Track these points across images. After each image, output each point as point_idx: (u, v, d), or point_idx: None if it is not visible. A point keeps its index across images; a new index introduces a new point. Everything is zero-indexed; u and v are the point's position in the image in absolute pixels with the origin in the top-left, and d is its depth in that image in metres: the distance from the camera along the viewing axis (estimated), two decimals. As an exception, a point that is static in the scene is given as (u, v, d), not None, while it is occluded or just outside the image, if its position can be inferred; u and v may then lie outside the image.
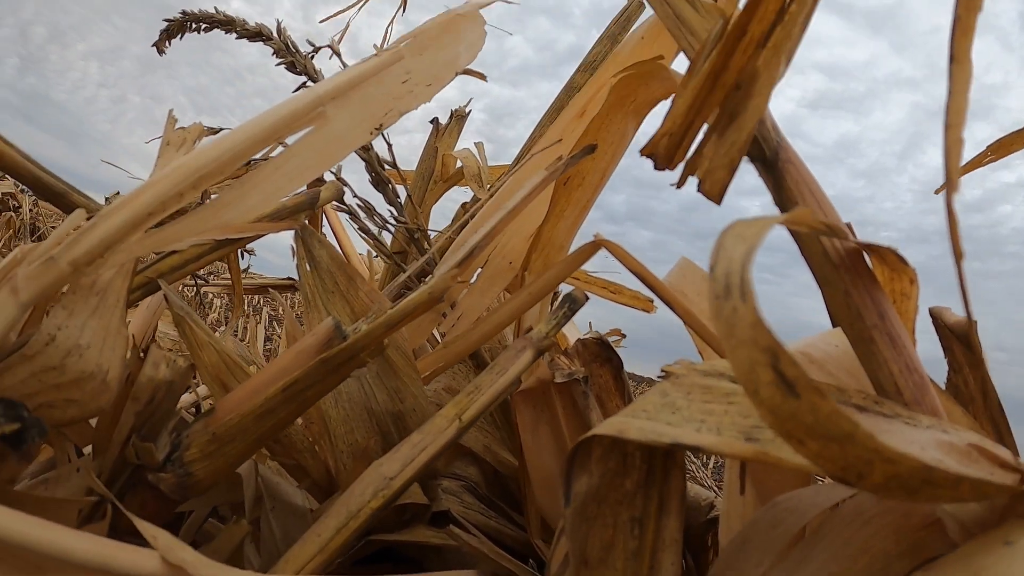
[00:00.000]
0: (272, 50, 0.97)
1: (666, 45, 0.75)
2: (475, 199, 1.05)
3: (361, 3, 1.28)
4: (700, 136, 0.53)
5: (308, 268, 0.73)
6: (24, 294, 0.45)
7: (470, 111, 1.31)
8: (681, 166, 0.54)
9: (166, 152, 0.62)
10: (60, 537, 0.37)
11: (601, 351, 0.78)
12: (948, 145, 0.43)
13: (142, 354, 0.58)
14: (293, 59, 0.95)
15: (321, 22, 1.29)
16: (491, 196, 0.85)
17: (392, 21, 1.29)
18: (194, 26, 1.01)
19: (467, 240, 0.65)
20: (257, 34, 0.97)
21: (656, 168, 0.59)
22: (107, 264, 0.48)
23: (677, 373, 0.51)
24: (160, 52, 1.05)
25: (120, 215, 0.48)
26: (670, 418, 0.47)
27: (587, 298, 0.68)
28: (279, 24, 0.97)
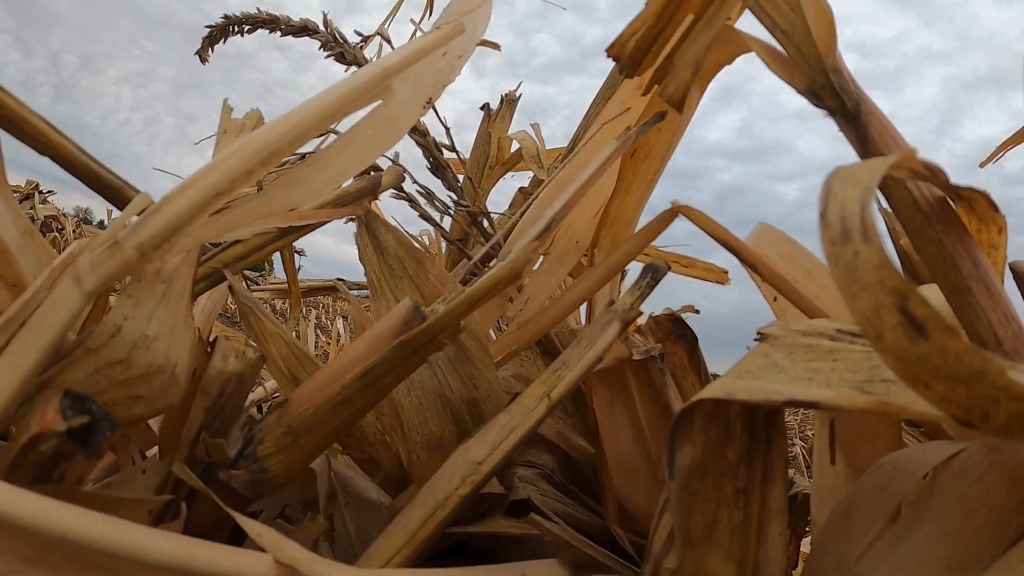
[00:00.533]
0: (319, 43, 0.96)
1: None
2: (534, 182, 1.04)
3: (391, 16, 1.29)
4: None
5: (373, 254, 0.71)
6: (88, 283, 0.44)
7: (520, 95, 1.30)
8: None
9: (224, 140, 0.61)
10: (142, 537, 0.35)
11: (675, 328, 0.76)
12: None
13: (209, 347, 0.56)
14: (343, 49, 0.94)
15: (356, 32, 1.31)
16: (553, 176, 0.83)
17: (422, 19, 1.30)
18: (237, 28, 1.01)
19: (542, 214, 0.63)
20: (303, 29, 0.96)
21: (620, 72, 0.60)
22: (174, 249, 0.47)
23: (775, 334, 0.49)
24: (203, 60, 1.06)
25: (187, 196, 0.46)
26: (776, 377, 0.45)
27: (669, 267, 0.66)
28: (325, 17, 0.96)
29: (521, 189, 1.19)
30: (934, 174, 0.43)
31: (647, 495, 0.71)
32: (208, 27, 1.02)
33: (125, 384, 0.47)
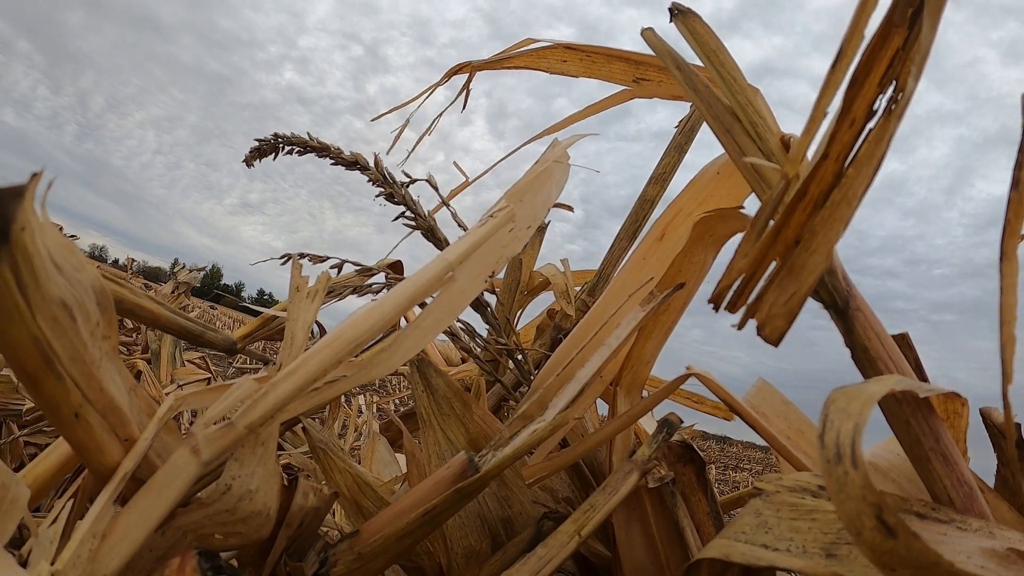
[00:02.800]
0: (368, 179, 1.01)
1: (740, 182, 0.83)
2: (562, 312, 1.10)
3: (421, 101, 1.33)
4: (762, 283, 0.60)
5: (424, 393, 0.80)
6: (205, 454, 0.52)
7: (548, 222, 1.35)
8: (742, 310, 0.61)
9: (296, 298, 0.70)
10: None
11: (685, 452, 0.84)
12: (1003, 341, 0.51)
13: (289, 482, 0.66)
14: (392, 190, 0.99)
15: (372, 120, 1.34)
16: (582, 316, 0.92)
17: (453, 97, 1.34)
18: (287, 149, 1.06)
19: (576, 378, 0.72)
20: (353, 163, 1.01)
21: (715, 310, 0.64)
22: (275, 423, 0.57)
23: (768, 491, 0.60)
24: (248, 166, 1.08)
25: (289, 383, 0.55)
26: (765, 538, 0.57)
27: (681, 422, 0.75)
28: (376, 157, 1.01)
29: (549, 312, 1.25)
30: (913, 391, 0.53)
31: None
32: (258, 140, 1.07)
33: (228, 524, 0.56)
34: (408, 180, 0.98)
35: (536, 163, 0.85)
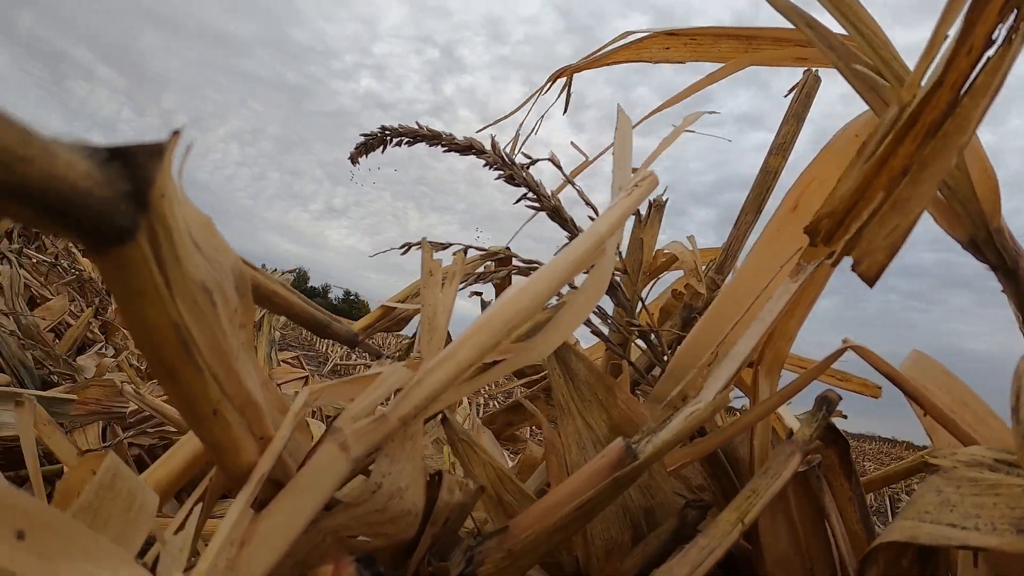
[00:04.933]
0: (485, 163, 0.99)
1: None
2: (696, 295, 1.07)
3: (530, 105, 1.31)
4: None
5: (562, 379, 0.77)
6: (355, 450, 0.49)
7: (667, 200, 1.31)
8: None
9: (430, 283, 0.67)
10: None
11: (828, 433, 0.81)
12: None
13: (433, 478, 0.63)
14: (512, 171, 0.97)
15: (478, 131, 1.32)
16: (717, 296, 0.88)
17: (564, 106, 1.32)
18: (395, 141, 1.04)
19: (731, 356, 0.68)
20: (468, 148, 0.99)
21: (812, 244, 0.65)
22: (427, 414, 0.54)
23: (945, 467, 0.55)
24: (354, 163, 1.08)
25: (443, 370, 0.52)
26: (950, 517, 0.52)
27: (840, 398, 0.71)
28: (493, 140, 0.99)
29: (674, 292, 1.22)
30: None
31: (800, 588, 0.76)
32: (364, 135, 1.05)
33: (376, 525, 0.52)
34: (529, 161, 0.95)
35: (616, 134, 0.82)
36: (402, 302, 1.20)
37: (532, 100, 1.29)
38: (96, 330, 3.11)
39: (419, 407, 0.51)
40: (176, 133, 0.32)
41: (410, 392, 0.51)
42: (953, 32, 0.52)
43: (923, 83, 0.54)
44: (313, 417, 2.08)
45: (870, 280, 0.56)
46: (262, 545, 0.44)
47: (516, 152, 1.18)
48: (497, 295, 1.27)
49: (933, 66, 0.54)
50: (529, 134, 1.28)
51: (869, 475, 1.09)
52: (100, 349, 2.83)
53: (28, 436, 0.96)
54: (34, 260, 3.57)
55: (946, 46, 0.53)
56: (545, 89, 1.28)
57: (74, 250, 4.25)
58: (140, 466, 1.79)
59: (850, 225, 0.58)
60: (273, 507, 0.46)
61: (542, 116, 1.29)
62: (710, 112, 0.92)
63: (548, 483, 0.91)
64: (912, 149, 0.54)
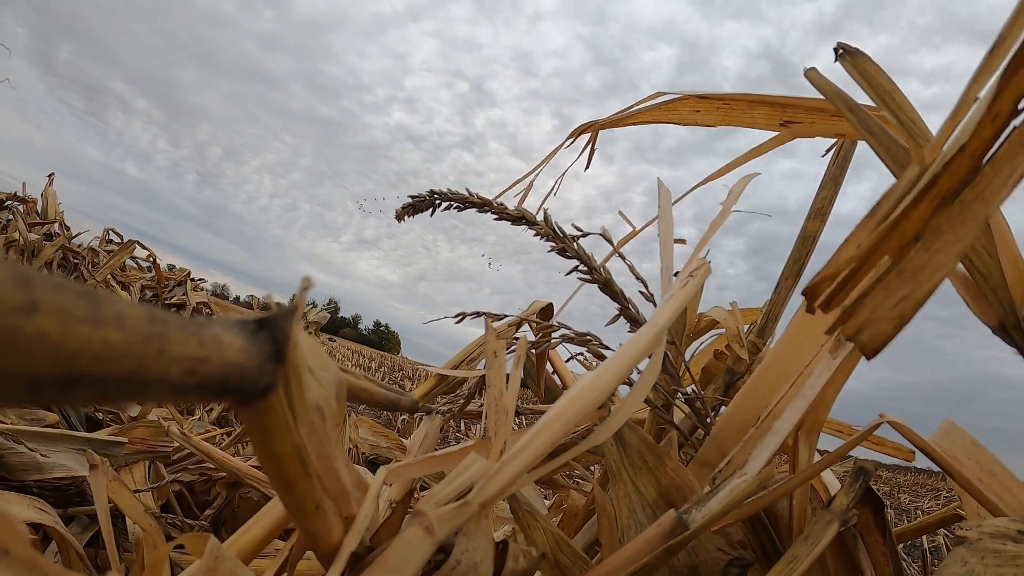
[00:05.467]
0: (535, 233, 1.00)
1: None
2: (738, 360, 1.10)
3: (542, 165, 1.33)
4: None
5: (614, 446, 0.82)
6: (439, 533, 0.53)
7: (709, 261, 1.32)
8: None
9: (495, 364, 0.71)
10: None
11: (864, 494, 0.84)
12: None
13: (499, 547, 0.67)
14: (564, 244, 0.98)
15: (509, 188, 1.35)
16: (756, 357, 0.92)
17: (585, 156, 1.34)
18: (443, 204, 1.05)
19: (774, 431, 0.72)
20: (520, 219, 1.01)
21: (808, 310, 0.63)
22: (502, 497, 0.58)
23: (971, 539, 0.60)
24: (399, 220, 1.09)
25: (520, 460, 0.56)
26: None
27: (876, 469, 0.75)
28: (546, 214, 1.00)
29: (716, 354, 1.24)
30: None
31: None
32: (412, 197, 1.06)
33: None
34: (579, 233, 0.98)
35: (716, 217, 0.85)
36: (456, 367, 1.24)
37: (554, 153, 1.31)
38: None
39: (498, 494, 0.56)
40: (304, 288, 0.36)
41: (491, 480, 0.56)
42: (983, 95, 0.52)
43: (945, 148, 0.53)
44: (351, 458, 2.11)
45: (870, 353, 0.57)
46: None
47: (550, 193, 1.21)
48: (537, 362, 1.31)
49: (958, 131, 0.53)
50: (548, 194, 1.31)
51: (901, 525, 1.12)
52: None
53: (102, 498, 1.00)
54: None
55: (973, 109, 0.52)
56: (567, 144, 1.30)
57: (113, 283, 4.30)
58: (180, 500, 1.84)
59: (851, 290, 0.58)
60: None
61: (562, 175, 1.32)
62: (755, 174, 0.95)
63: (596, 541, 0.95)
64: (927, 214, 0.54)
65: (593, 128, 1.27)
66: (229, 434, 2.28)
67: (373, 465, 2.44)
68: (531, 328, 1.09)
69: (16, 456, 1.53)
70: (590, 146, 1.30)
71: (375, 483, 0.61)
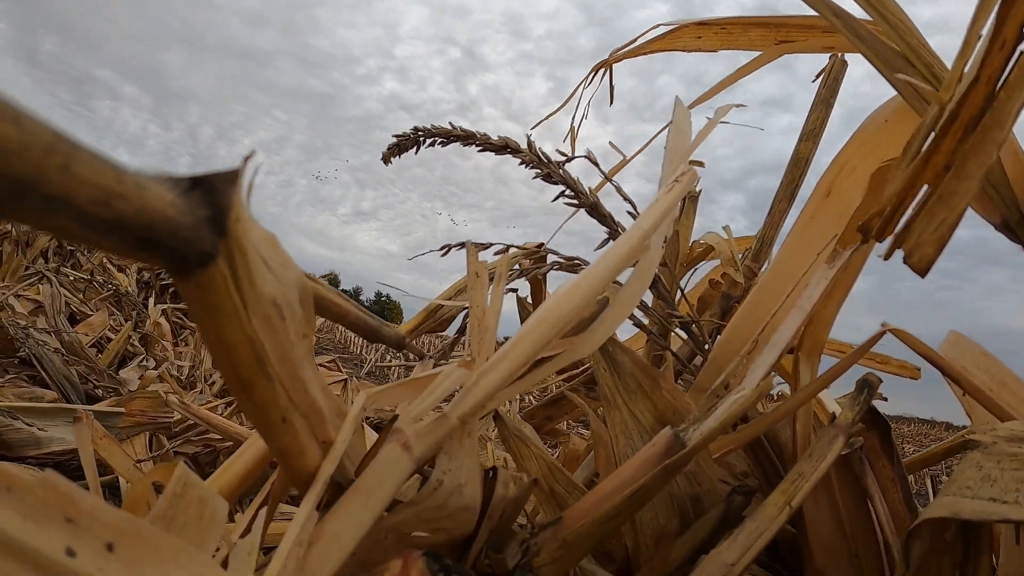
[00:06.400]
0: (520, 161, 0.98)
1: (911, 128, 0.79)
2: (733, 284, 1.08)
3: (576, 100, 1.32)
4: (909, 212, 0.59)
5: (607, 372, 0.79)
6: (417, 450, 0.51)
7: (700, 191, 1.33)
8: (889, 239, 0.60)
9: (477, 284, 0.69)
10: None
11: (870, 416, 0.82)
12: None
13: (489, 474, 0.65)
14: (549, 170, 0.97)
15: (532, 128, 1.33)
16: (754, 284, 0.90)
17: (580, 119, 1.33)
18: (428, 142, 1.04)
19: (772, 343, 0.70)
20: (504, 147, 0.99)
21: (864, 241, 0.67)
22: (484, 411, 0.56)
23: (985, 442, 0.57)
24: (386, 163, 1.07)
25: (499, 369, 0.54)
26: (991, 491, 0.54)
27: (881, 381, 0.72)
28: (529, 140, 0.99)
29: (712, 282, 1.23)
30: None
31: (844, 572, 0.77)
32: (396, 136, 1.05)
33: (435, 521, 0.54)
34: (564, 159, 0.96)
35: (672, 127, 0.84)
36: (448, 300, 1.22)
37: (578, 94, 1.31)
38: (136, 343, 3.16)
39: (478, 406, 0.53)
40: (247, 158, 0.34)
41: (469, 392, 0.53)
42: (986, 31, 0.53)
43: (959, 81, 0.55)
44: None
45: (921, 271, 0.58)
46: (330, 545, 0.45)
47: (569, 149, 1.19)
48: (532, 292, 1.29)
49: (969, 64, 0.55)
50: (569, 133, 1.30)
51: (909, 457, 1.10)
52: (141, 361, 2.87)
53: (87, 450, 0.98)
54: (71, 277, 3.62)
55: (980, 44, 0.54)
56: (587, 82, 1.30)
57: (109, 266, 4.31)
58: (185, 473, 1.83)
59: (898, 220, 0.60)
60: (339, 508, 0.48)
61: (579, 117, 1.31)
62: (738, 105, 0.93)
63: (596, 474, 0.93)
64: (953, 145, 0.55)
65: (607, 64, 1.27)
66: (229, 405, 2.27)
67: (377, 429, 2.43)
68: (525, 258, 1.08)
69: (15, 432, 1.53)
70: (608, 81, 1.30)
71: (354, 407, 0.59)
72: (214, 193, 0.31)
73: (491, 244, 1.03)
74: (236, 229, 0.33)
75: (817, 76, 1.12)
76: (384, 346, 0.73)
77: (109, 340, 2.97)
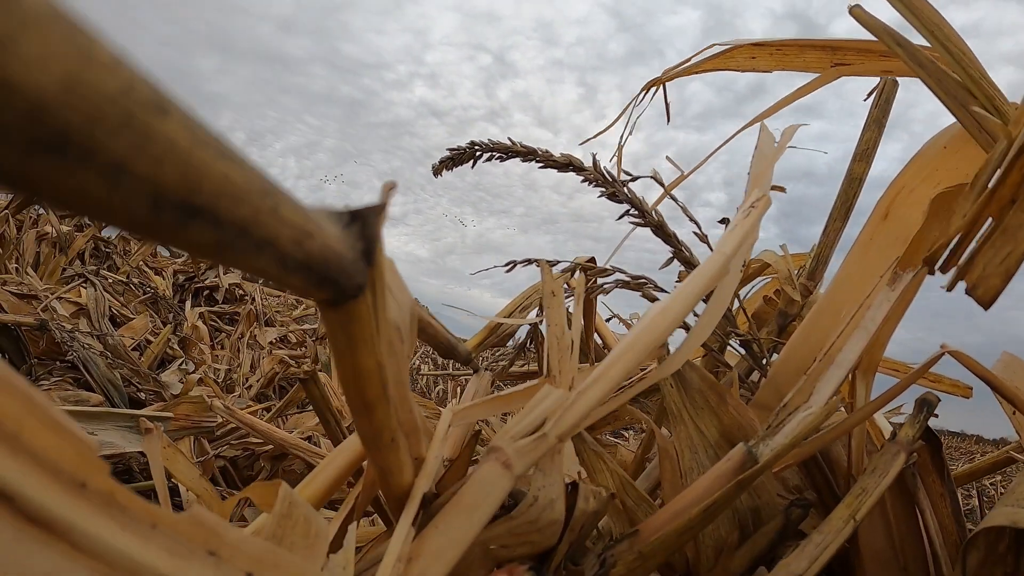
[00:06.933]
0: (583, 179, 0.99)
1: (970, 155, 0.82)
2: (790, 302, 1.10)
3: (627, 118, 1.33)
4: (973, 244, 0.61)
5: (674, 387, 0.82)
6: (517, 468, 0.53)
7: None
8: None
9: (553, 304, 0.71)
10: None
11: (923, 433, 0.84)
12: None
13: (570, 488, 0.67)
14: (615, 188, 0.98)
15: (582, 143, 1.35)
16: (807, 300, 0.92)
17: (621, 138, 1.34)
18: (484, 156, 1.04)
19: (837, 363, 0.72)
20: (567, 165, 1.00)
21: (929, 272, 0.69)
22: (577, 431, 0.58)
23: None
24: (436, 175, 1.09)
25: (596, 390, 0.57)
26: None
27: (939, 400, 0.75)
28: (594, 158, 1.00)
29: (766, 299, 1.25)
30: None
31: (896, 584, 0.80)
32: (451, 150, 1.06)
33: (525, 535, 0.57)
34: (629, 177, 0.97)
35: (756, 152, 0.86)
36: (508, 317, 1.24)
37: (628, 112, 1.32)
38: (175, 346, 3.19)
39: (575, 425, 0.56)
40: (391, 187, 0.36)
41: (567, 412, 0.56)
42: None
43: None
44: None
45: (986, 304, 0.59)
46: (433, 561, 0.47)
47: (616, 151, 1.21)
48: (584, 310, 1.31)
49: None
50: (617, 151, 1.32)
51: (954, 471, 1.12)
52: (181, 365, 2.91)
53: (157, 463, 1.00)
54: (110, 280, 3.66)
55: None
56: (639, 100, 1.31)
57: (146, 268, 4.35)
58: (224, 475, 1.87)
59: (962, 252, 0.62)
60: (441, 524, 0.49)
61: (626, 133, 1.33)
62: (803, 124, 0.95)
63: (656, 485, 0.95)
64: (1019, 179, 0.57)
65: (659, 82, 1.28)
66: (268, 410, 2.30)
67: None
68: (578, 274, 1.09)
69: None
70: (662, 100, 1.31)
71: (442, 423, 0.61)
72: (367, 226, 0.33)
73: (558, 261, 1.05)
74: (380, 259, 0.35)
75: (868, 95, 1.14)
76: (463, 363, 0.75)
77: (148, 343, 3.00)
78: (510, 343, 1.23)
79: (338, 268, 0.31)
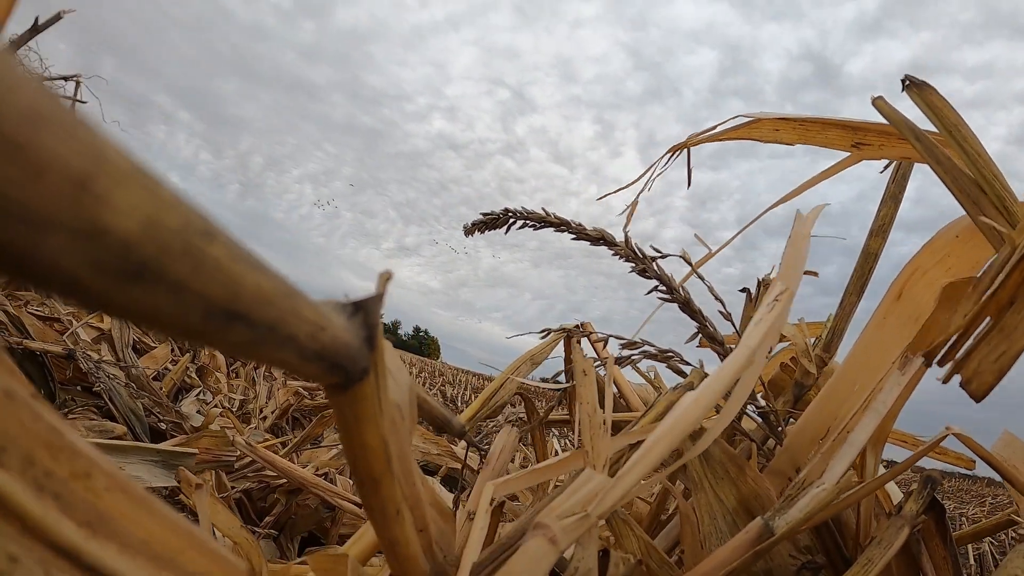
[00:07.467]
0: (613, 253, 1.02)
1: (979, 245, 0.86)
2: (806, 373, 1.13)
3: (646, 182, 1.35)
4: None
5: (698, 459, 0.86)
6: (562, 543, 0.55)
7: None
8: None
9: (585, 383, 0.75)
10: None
11: (926, 507, 0.88)
12: None
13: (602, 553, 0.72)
14: (644, 265, 1.01)
15: (599, 199, 1.38)
16: (823, 371, 0.97)
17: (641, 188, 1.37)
18: (517, 222, 1.06)
19: (850, 442, 0.77)
20: (599, 239, 1.02)
21: (927, 365, 0.73)
22: (616, 507, 0.63)
23: None
24: (467, 235, 1.11)
25: (634, 474, 0.61)
26: None
27: (943, 478, 0.79)
28: (626, 234, 1.02)
29: (782, 366, 1.28)
30: None
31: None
32: (484, 214, 1.07)
33: None
34: (659, 255, 1.00)
35: (789, 241, 0.90)
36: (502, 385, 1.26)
37: (649, 173, 1.34)
38: (193, 374, 3.22)
39: (615, 506, 0.60)
40: (385, 280, 0.39)
41: (608, 493, 0.60)
42: None
43: None
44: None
45: (977, 398, 0.63)
46: None
47: (628, 223, 1.24)
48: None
49: None
50: (631, 207, 1.35)
51: (959, 531, 1.16)
52: (199, 395, 2.93)
53: (205, 517, 1.03)
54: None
55: None
56: (664, 162, 1.32)
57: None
58: (240, 508, 1.90)
59: (959, 348, 0.66)
60: None
61: (643, 192, 1.36)
62: (826, 204, 0.99)
63: (675, 544, 0.99)
64: (1020, 281, 0.61)
65: (684, 146, 1.30)
66: (284, 444, 2.32)
67: (425, 471, 2.48)
68: (590, 344, 1.13)
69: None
70: (683, 165, 1.33)
71: (485, 496, 0.66)
72: (368, 314, 0.36)
73: (592, 332, 1.09)
74: (380, 343, 0.38)
75: (884, 169, 1.18)
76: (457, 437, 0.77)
77: (168, 371, 3.03)
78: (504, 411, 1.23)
79: (346, 355, 0.34)
